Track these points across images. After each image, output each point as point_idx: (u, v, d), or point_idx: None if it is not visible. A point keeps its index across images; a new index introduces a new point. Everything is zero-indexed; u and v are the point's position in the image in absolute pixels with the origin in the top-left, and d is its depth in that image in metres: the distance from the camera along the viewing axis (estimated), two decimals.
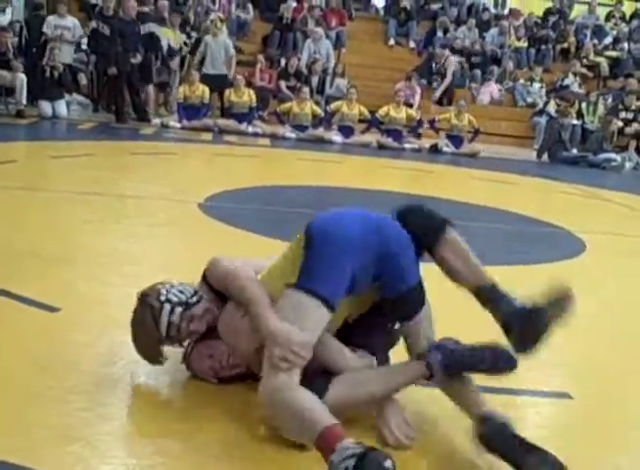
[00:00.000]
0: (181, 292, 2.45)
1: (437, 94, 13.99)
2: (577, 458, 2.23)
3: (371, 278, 2.24)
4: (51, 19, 11.53)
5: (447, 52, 14.30)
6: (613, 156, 12.16)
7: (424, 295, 2.35)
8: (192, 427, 2.21)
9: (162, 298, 2.42)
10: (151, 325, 2.40)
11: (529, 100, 14.43)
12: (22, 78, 10.40)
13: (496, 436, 2.10)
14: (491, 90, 14.44)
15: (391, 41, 15.50)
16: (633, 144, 12.79)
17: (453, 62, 14.23)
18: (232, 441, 2.16)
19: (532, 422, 2.56)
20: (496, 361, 2.25)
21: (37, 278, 3.41)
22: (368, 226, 2.25)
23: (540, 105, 14.10)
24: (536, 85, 14.57)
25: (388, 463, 1.78)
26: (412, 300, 2.32)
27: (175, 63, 12.43)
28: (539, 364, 3.02)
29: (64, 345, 2.71)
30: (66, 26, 11.56)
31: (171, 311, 2.40)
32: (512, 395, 2.73)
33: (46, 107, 10.65)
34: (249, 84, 12.24)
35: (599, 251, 5.61)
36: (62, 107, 10.82)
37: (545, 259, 5.02)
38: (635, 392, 2.91)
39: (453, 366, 2.25)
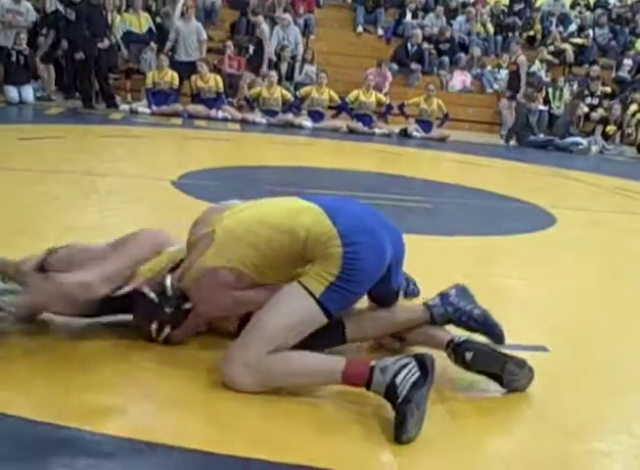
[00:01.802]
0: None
1: None
2: (553, 406, 2.39)
3: None
4: (5, 2, 11.18)
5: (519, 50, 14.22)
6: (579, 139, 12.32)
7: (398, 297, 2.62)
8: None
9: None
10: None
11: (496, 86, 14.55)
12: None
13: (477, 355, 2.39)
14: (464, 78, 14.53)
15: (360, 28, 15.51)
16: (599, 129, 12.96)
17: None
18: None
19: None
20: (487, 324, 2.55)
21: (4, 247, 3.36)
22: (394, 250, 2.37)
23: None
24: (503, 72, 14.69)
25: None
26: (388, 300, 2.57)
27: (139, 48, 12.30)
28: (517, 321, 3.15)
29: None
30: (18, 11, 11.24)
31: None
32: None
33: (12, 92, 10.49)
34: (217, 71, 12.18)
35: (569, 223, 5.74)
36: (28, 92, 10.68)
37: (520, 231, 5.14)
38: (605, 343, 3.05)
39: (451, 321, 2.55)
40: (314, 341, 2.29)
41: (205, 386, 2.24)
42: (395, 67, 14.19)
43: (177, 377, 2.29)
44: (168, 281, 2.45)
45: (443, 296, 2.58)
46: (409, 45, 14.48)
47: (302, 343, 2.26)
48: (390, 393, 2.08)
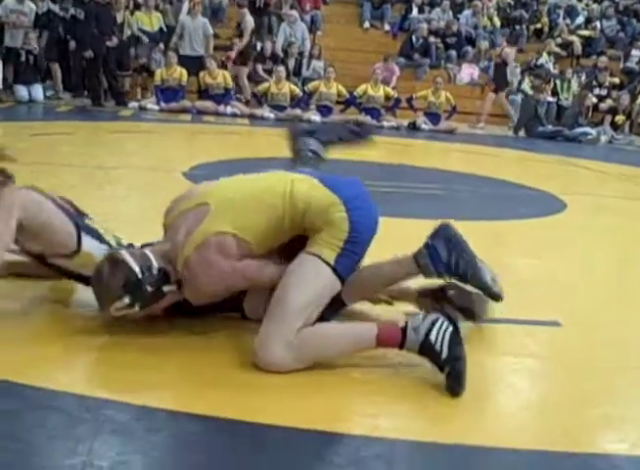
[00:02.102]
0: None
1: None
2: (565, 375, 2.46)
3: None
4: (9, 2, 11.15)
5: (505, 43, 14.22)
6: (588, 129, 12.30)
7: None
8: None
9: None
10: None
11: None
12: None
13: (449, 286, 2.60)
14: (472, 72, 14.52)
15: (366, 24, 15.52)
16: (608, 119, 12.93)
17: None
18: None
19: (525, 348, 2.67)
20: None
21: None
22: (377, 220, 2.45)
23: (515, 84, 14.20)
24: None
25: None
26: None
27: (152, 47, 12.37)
28: (530, 298, 3.20)
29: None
30: (22, 11, 11.22)
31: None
32: (506, 323, 2.88)
33: (22, 91, 10.56)
34: (225, 67, 12.22)
35: (580, 208, 5.80)
36: (38, 91, 10.75)
37: (531, 215, 5.19)
38: (616, 319, 3.09)
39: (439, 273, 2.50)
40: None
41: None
42: (403, 61, 14.19)
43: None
44: (153, 258, 2.32)
45: (430, 249, 2.46)
46: (414, 38, 14.46)
47: None
48: (426, 349, 2.18)
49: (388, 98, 12.01)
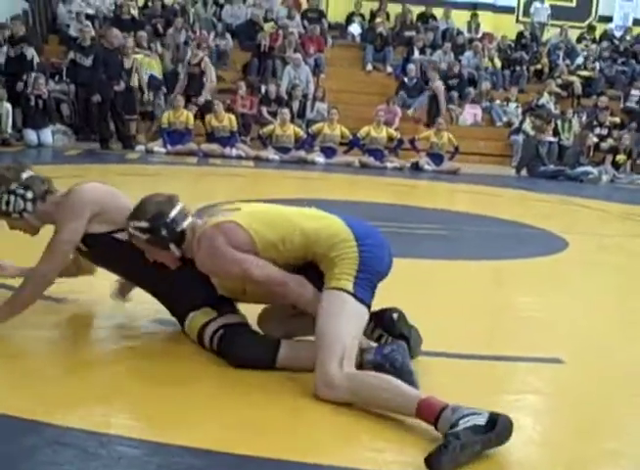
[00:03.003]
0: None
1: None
2: (568, 412, 2.47)
3: None
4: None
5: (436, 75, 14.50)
6: (590, 169, 12.42)
7: None
8: None
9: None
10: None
11: (505, 119, 14.72)
12: (7, 107, 10.50)
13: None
14: (475, 112, 14.70)
15: (369, 66, 15.77)
16: (609, 158, 13.06)
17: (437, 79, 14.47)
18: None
19: (528, 385, 2.72)
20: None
21: None
22: (390, 257, 2.65)
23: (516, 124, 14.38)
24: (512, 105, 14.87)
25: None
26: None
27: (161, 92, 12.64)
28: (532, 335, 3.25)
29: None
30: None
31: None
32: (509, 361, 2.96)
33: (32, 135, 10.75)
34: (230, 110, 12.41)
35: (581, 247, 5.85)
36: (47, 135, 10.93)
37: (534, 254, 5.25)
38: (619, 356, 3.12)
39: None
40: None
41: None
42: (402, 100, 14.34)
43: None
44: (185, 223, 2.63)
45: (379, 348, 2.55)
46: (406, 80, 14.65)
47: None
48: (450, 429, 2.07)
49: (391, 139, 12.17)
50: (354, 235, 2.54)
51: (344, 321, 2.40)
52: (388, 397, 2.23)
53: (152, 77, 12.74)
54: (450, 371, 2.77)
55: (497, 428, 2.04)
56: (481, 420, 2.06)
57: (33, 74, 11.13)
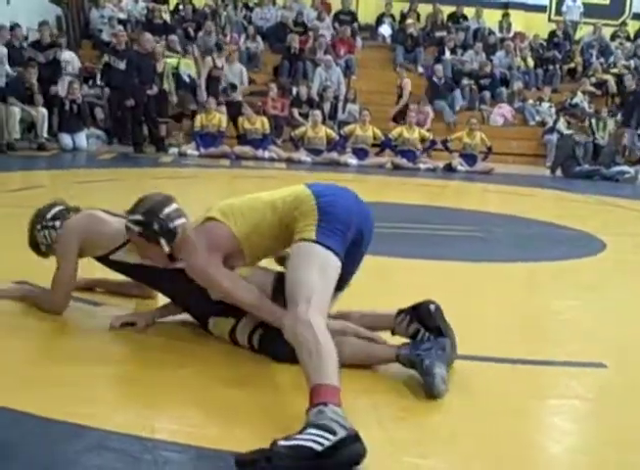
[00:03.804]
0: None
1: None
2: (612, 424, 2.41)
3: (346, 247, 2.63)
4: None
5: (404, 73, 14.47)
6: (626, 168, 12.25)
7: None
8: None
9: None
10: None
11: (538, 119, 14.58)
12: (43, 112, 10.64)
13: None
14: (504, 112, 14.57)
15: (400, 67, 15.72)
16: None
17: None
18: None
19: (571, 390, 2.68)
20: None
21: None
22: (358, 205, 2.75)
23: (550, 123, 14.24)
24: (545, 105, 14.72)
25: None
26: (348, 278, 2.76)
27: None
28: (574, 339, 3.20)
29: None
30: (65, 60, 12.02)
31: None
32: (550, 366, 2.92)
33: (67, 139, 10.88)
34: (262, 112, 12.44)
35: (619, 248, 5.76)
36: (82, 139, 11.05)
37: (571, 256, 5.18)
38: None
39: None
40: None
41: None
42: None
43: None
44: (179, 222, 2.70)
45: (415, 345, 2.62)
46: (435, 79, 14.54)
47: None
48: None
49: (423, 140, 12.12)
50: (313, 192, 2.66)
51: (310, 267, 2.46)
52: (306, 361, 2.18)
53: (190, 77, 12.88)
54: (490, 375, 2.75)
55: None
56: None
57: (67, 79, 11.24)
